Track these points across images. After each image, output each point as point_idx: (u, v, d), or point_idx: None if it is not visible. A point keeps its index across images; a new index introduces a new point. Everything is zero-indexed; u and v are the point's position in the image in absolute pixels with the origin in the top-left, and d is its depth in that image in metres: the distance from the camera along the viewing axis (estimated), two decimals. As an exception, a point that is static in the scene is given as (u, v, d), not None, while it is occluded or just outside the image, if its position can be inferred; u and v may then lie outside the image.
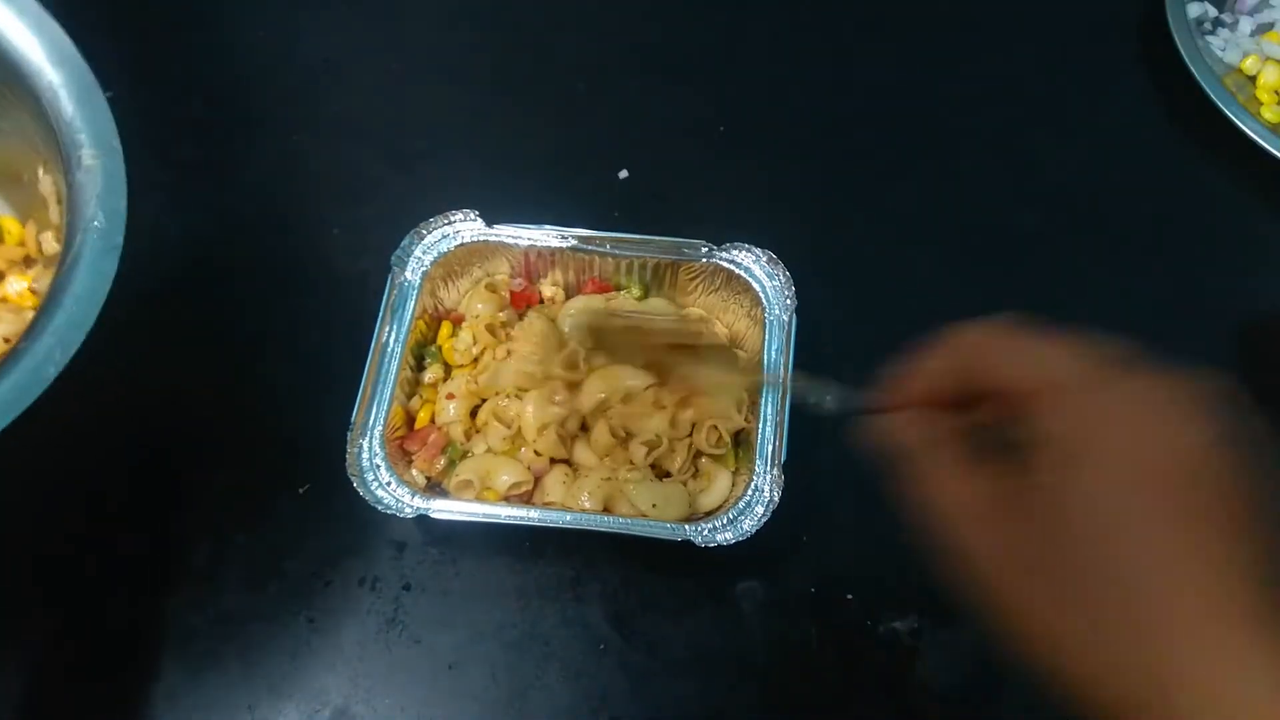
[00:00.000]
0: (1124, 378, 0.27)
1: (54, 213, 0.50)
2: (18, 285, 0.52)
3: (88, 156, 0.45)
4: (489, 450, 0.52)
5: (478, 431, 0.53)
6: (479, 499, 0.50)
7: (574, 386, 0.52)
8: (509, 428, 0.52)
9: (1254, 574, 0.25)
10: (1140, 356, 0.29)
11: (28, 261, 0.54)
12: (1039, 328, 0.30)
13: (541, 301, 0.58)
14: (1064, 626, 0.26)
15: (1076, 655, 0.26)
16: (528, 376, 0.52)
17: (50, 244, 0.51)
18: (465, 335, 0.55)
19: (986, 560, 0.28)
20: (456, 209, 0.56)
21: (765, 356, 0.52)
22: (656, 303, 0.57)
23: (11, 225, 0.54)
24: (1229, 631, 0.24)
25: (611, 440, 0.51)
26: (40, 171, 0.50)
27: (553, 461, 0.52)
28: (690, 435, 0.53)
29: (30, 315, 0.47)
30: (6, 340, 0.49)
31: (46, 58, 0.46)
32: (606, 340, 0.49)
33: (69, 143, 0.45)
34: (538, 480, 0.52)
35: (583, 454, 0.52)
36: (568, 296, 0.58)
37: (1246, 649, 0.24)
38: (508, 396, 0.52)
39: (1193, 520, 0.25)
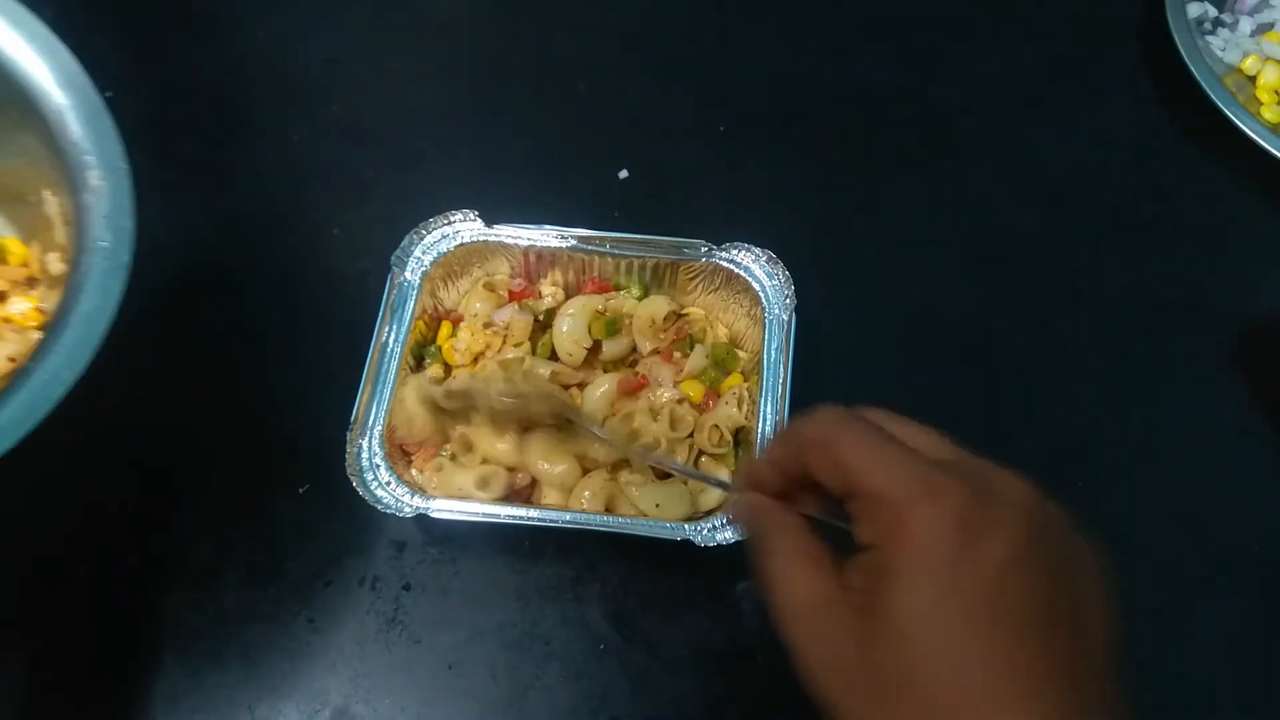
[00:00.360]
0: (937, 489, 0.26)
1: (59, 234, 0.50)
2: (21, 306, 0.52)
3: (95, 178, 0.45)
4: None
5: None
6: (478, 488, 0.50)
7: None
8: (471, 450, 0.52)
9: (1073, 675, 0.25)
10: (959, 458, 0.29)
11: (30, 283, 0.54)
12: (876, 416, 0.30)
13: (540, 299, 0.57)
14: None
15: None
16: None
17: (55, 265, 0.51)
18: (464, 335, 0.55)
19: (813, 657, 0.28)
20: (456, 209, 0.56)
21: (765, 356, 0.52)
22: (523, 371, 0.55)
23: (15, 246, 0.54)
24: None
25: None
26: (46, 193, 0.50)
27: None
28: (691, 436, 0.53)
29: (34, 336, 0.48)
30: (11, 360, 0.49)
31: (54, 80, 0.46)
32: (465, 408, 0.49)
33: (76, 164, 0.45)
34: (536, 480, 0.52)
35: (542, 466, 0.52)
36: (567, 296, 0.57)
37: None
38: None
39: (995, 630, 0.25)
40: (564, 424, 0.49)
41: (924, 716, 0.25)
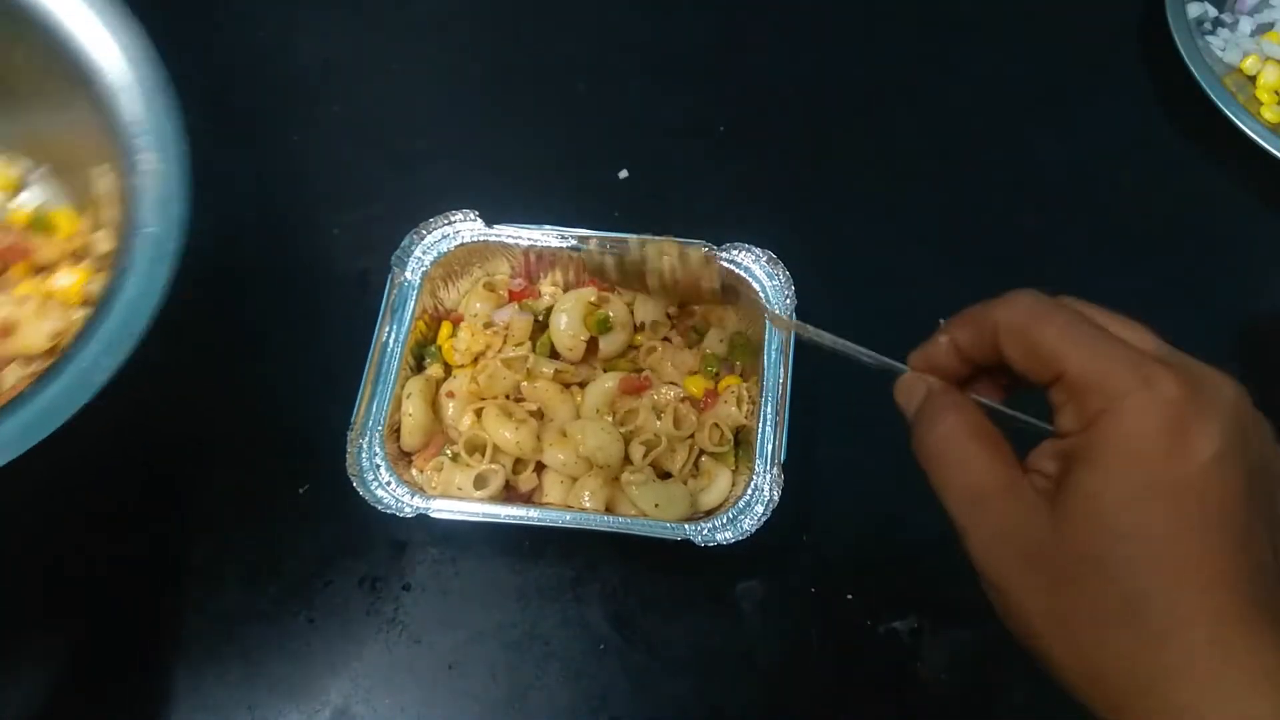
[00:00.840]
0: (1147, 381, 0.26)
1: (110, 211, 0.49)
2: (68, 279, 0.51)
3: (148, 160, 0.44)
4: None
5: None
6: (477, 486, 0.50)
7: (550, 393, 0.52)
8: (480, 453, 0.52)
9: (1253, 580, 0.25)
10: (1170, 353, 0.28)
11: (77, 256, 0.53)
12: (1085, 307, 0.29)
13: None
14: (1043, 607, 0.26)
15: (1072, 650, 0.26)
16: (514, 374, 0.52)
17: (103, 242, 0.50)
18: (465, 335, 0.55)
19: (988, 543, 0.28)
20: (456, 209, 0.56)
21: (765, 356, 0.52)
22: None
23: (65, 219, 0.53)
24: (1229, 637, 0.24)
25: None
26: (100, 169, 0.49)
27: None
28: (692, 436, 0.53)
29: (77, 313, 0.47)
30: (54, 338, 0.48)
31: (120, 54, 0.45)
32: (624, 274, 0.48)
33: (131, 144, 0.44)
34: (540, 475, 0.52)
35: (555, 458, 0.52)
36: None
37: (1245, 654, 0.24)
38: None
39: (1196, 522, 0.25)
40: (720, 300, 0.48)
41: (1113, 598, 0.25)
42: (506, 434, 0.51)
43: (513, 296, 0.57)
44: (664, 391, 0.53)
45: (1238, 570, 0.25)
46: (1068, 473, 0.27)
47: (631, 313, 0.55)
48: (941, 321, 0.32)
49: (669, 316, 0.56)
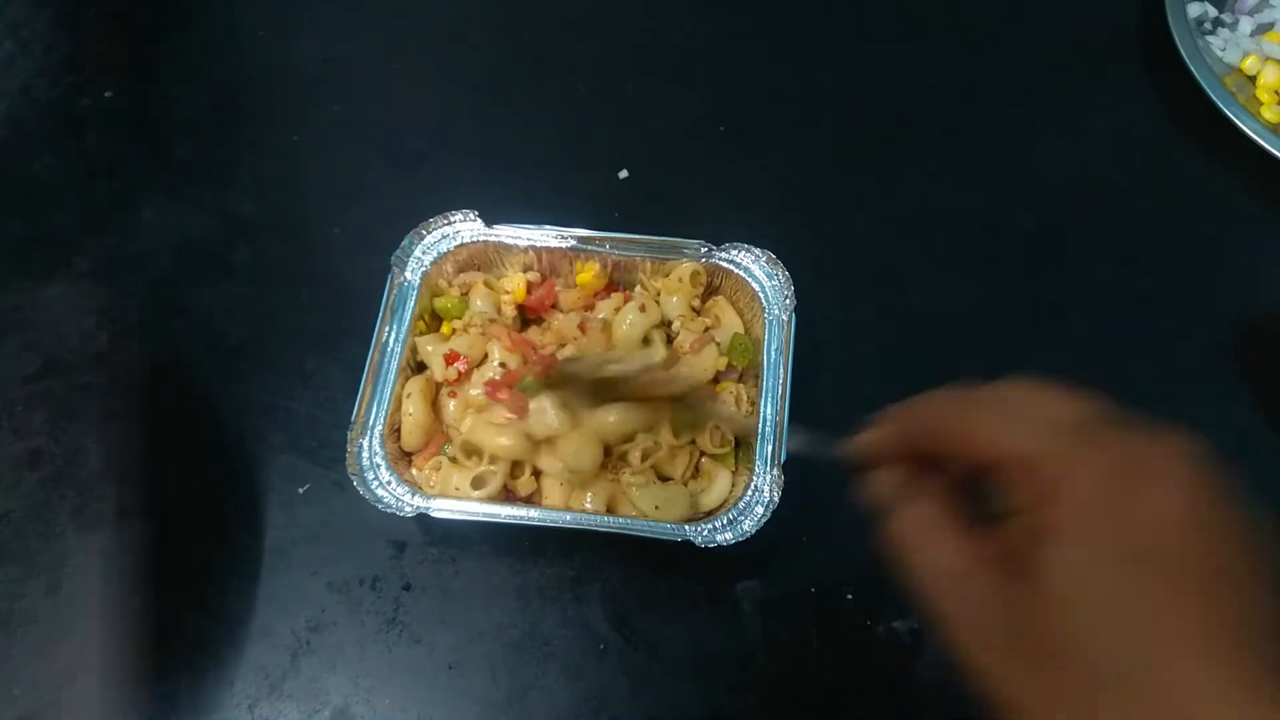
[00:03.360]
0: (1093, 446, 0.26)
1: None
2: None
3: None
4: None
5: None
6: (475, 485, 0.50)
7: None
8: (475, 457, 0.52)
9: (1240, 640, 0.24)
10: (1112, 418, 0.28)
11: None
12: (1013, 387, 0.29)
13: (554, 306, 0.57)
14: (1033, 695, 0.26)
15: None
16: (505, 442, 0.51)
17: None
18: (464, 335, 0.55)
19: (964, 626, 0.27)
20: (456, 209, 0.56)
21: (765, 356, 0.52)
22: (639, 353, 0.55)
23: None
24: (1243, 704, 0.23)
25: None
26: None
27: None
28: (693, 441, 0.53)
29: None
30: None
31: None
32: (573, 387, 0.48)
33: None
34: (538, 477, 0.52)
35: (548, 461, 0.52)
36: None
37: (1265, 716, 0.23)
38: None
39: (1156, 588, 0.24)
40: (665, 404, 0.48)
41: (1083, 675, 0.25)
42: (502, 440, 0.50)
43: (529, 287, 0.57)
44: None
45: (1210, 635, 0.24)
46: (1029, 551, 0.26)
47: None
48: (870, 418, 0.32)
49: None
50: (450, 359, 0.53)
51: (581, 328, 0.54)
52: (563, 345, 0.54)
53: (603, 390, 0.48)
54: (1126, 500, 0.25)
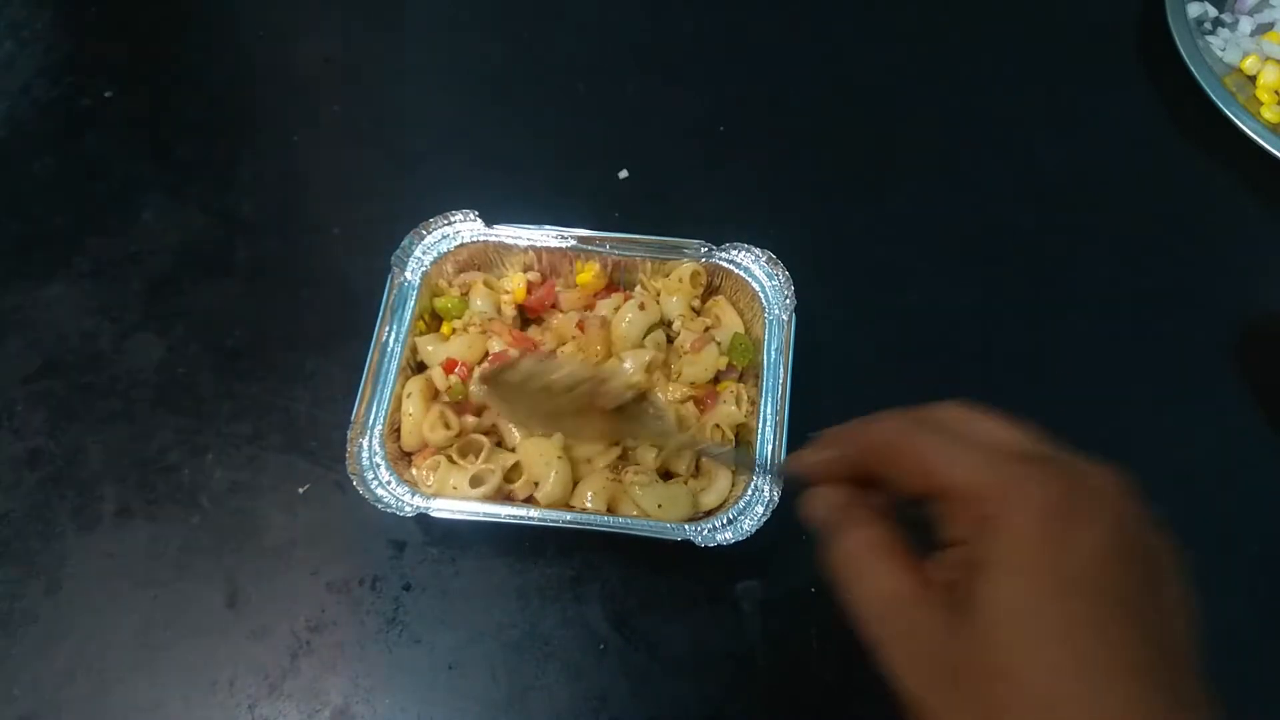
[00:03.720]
0: (1030, 480, 0.26)
1: None
2: None
3: None
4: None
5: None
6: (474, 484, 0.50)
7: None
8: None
9: (1165, 663, 0.25)
10: (1045, 448, 0.28)
11: None
12: (952, 413, 0.30)
13: (554, 305, 0.57)
14: None
15: None
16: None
17: None
18: (464, 335, 0.55)
19: (900, 654, 0.28)
20: (456, 209, 0.56)
21: (765, 356, 0.52)
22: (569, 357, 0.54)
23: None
24: None
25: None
26: None
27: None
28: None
29: None
30: None
31: None
32: (506, 395, 0.47)
33: None
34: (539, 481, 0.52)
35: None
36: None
37: None
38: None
39: (1092, 618, 0.25)
40: (617, 414, 0.47)
41: (1017, 705, 0.25)
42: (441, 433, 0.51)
43: (530, 287, 0.57)
44: (670, 390, 0.53)
45: (1145, 656, 0.25)
46: (964, 581, 0.26)
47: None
48: (813, 436, 0.32)
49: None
50: (448, 367, 0.53)
51: (580, 327, 0.54)
52: (562, 344, 0.54)
53: (537, 401, 0.46)
54: (1061, 532, 0.25)
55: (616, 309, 0.55)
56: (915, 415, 0.30)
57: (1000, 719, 0.25)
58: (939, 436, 0.28)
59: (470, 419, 0.53)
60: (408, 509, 0.48)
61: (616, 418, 0.46)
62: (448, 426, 0.51)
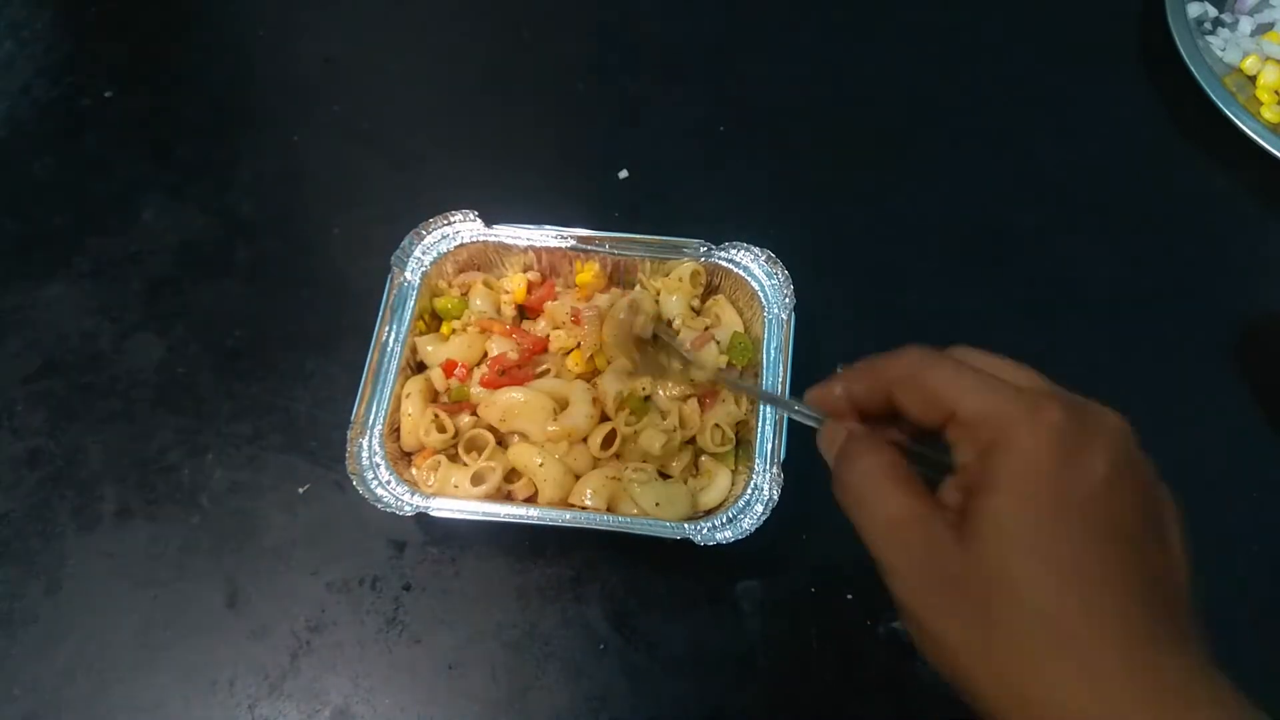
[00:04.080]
0: (1040, 408, 0.27)
1: None
2: None
3: None
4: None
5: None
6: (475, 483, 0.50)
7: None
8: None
9: (1154, 590, 0.26)
10: (1057, 390, 0.29)
11: None
12: (969, 352, 0.31)
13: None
14: (963, 637, 0.27)
15: (968, 666, 0.27)
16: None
17: None
18: (463, 335, 0.55)
19: (902, 572, 0.29)
20: (456, 209, 0.56)
21: (765, 355, 0.52)
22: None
23: None
24: (1105, 652, 0.25)
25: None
26: None
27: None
28: (693, 440, 0.53)
29: None
30: None
31: None
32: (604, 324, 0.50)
33: None
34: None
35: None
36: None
37: (1117, 669, 0.25)
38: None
39: (1093, 539, 0.26)
40: (649, 345, 0.49)
41: (1015, 617, 0.26)
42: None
43: (529, 286, 0.57)
44: (671, 388, 0.53)
45: (1141, 583, 0.26)
46: (971, 501, 0.27)
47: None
48: (839, 369, 0.33)
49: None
50: (448, 370, 0.53)
51: (575, 319, 0.54)
52: (556, 328, 0.54)
53: (610, 328, 0.50)
54: (1067, 458, 0.27)
55: (612, 304, 0.55)
56: (933, 350, 0.31)
57: (999, 630, 0.26)
58: (956, 367, 0.29)
59: (467, 418, 0.53)
60: (407, 509, 0.48)
61: (649, 351, 0.49)
62: (442, 430, 0.51)
